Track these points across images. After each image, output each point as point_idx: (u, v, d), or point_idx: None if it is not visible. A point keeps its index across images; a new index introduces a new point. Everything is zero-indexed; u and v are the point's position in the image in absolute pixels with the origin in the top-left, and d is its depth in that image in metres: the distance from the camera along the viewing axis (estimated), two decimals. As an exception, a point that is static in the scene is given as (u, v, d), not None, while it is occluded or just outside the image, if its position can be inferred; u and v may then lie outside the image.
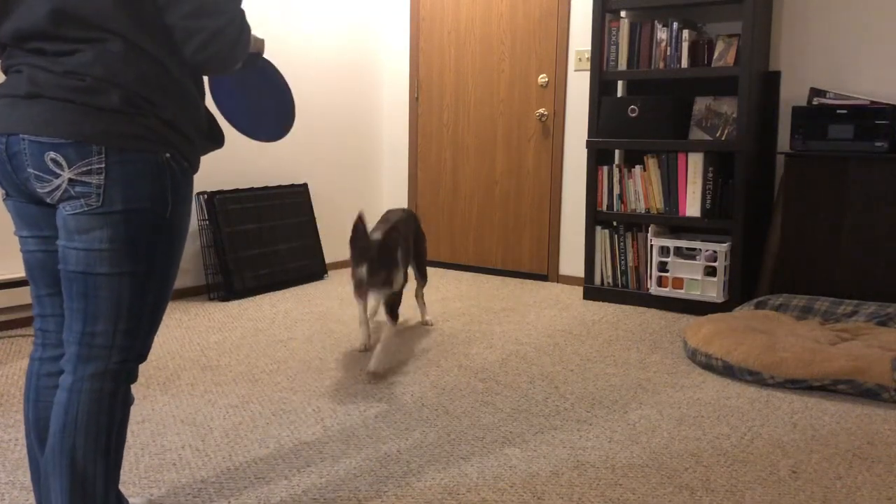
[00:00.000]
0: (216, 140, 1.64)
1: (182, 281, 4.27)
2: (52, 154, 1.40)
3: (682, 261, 3.97)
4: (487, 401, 2.72)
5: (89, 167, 1.40)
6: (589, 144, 4.24)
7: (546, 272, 4.87)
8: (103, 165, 1.41)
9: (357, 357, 3.21)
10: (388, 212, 3.49)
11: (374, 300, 3.24)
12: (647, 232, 4.15)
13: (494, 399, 2.74)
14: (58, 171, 1.40)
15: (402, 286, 3.22)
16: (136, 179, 1.43)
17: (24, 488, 2.02)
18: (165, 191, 1.47)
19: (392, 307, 3.15)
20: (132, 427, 2.44)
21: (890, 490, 2.08)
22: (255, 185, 4.59)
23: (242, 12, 1.48)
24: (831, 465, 2.24)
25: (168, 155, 1.47)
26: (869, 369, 2.76)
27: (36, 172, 1.42)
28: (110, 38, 1.40)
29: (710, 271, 3.94)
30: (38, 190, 1.45)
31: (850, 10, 3.90)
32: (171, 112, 1.47)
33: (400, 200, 5.43)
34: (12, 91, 1.43)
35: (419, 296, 3.76)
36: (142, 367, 3.01)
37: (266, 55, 4.59)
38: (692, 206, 4.00)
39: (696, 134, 4.04)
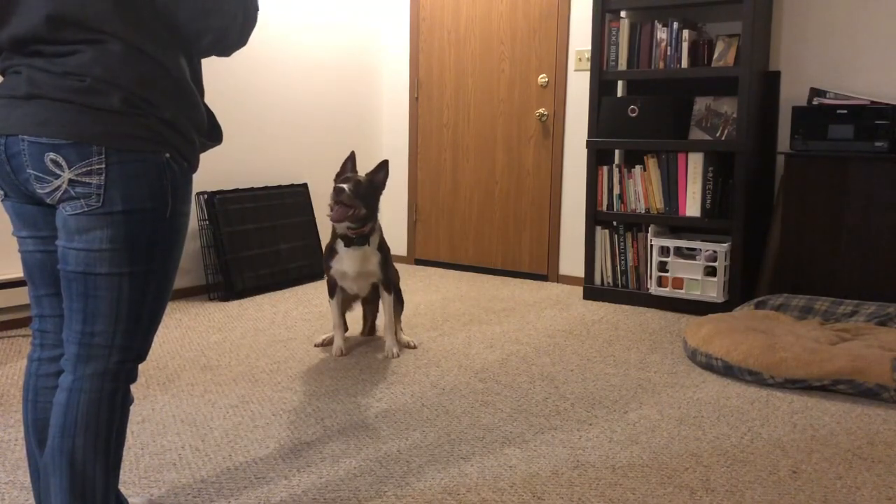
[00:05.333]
0: (215, 137, 1.65)
1: (182, 281, 4.27)
2: (52, 155, 1.40)
3: (682, 261, 3.97)
4: (487, 401, 2.72)
5: (89, 168, 1.40)
6: (589, 144, 4.24)
7: (546, 272, 4.87)
8: (103, 166, 1.40)
9: (356, 356, 3.21)
10: None
11: (351, 282, 3.18)
12: (647, 232, 4.15)
13: (494, 399, 2.74)
14: (58, 171, 1.40)
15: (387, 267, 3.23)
16: (137, 180, 1.43)
17: (23, 488, 2.02)
18: (165, 191, 1.47)
19: (385, 283, 3.20)
20: (132, 427, 2.44)
21: (890, 490, 2.08)
22: (255, 185, 4.59)
23: (245, 2, 1.48)
24: (831, 465, 2.24)
25: (168, 155, 1.47)
26: (869, 369, 2.76)
27: (36, 173, 1.42)
28: (109, 39, 1.40)
29: (710, 271, 3.94)
30: (38, 191, 1.45)
31: (850, 10, 3.90)
32: (171, 112, 1.47)
33: (400, 200, 5.43)
34: (11, 92, 1.43)
35: (395, 330, 3.33)
36: (142, 367, 3.01)
37: (266, 55, 4.60)
38: (692, 206, 4.00)
39: (696, 134, 4.04)
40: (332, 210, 2.99)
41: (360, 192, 3.00)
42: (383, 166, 3.09)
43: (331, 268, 3.17)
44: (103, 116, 1.40)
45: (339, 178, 3.08)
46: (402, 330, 3.41)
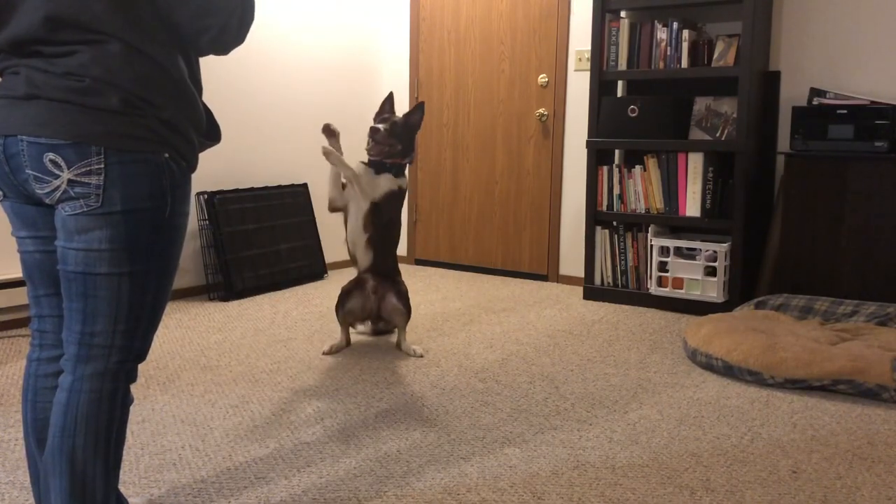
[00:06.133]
0: (214, 137, 1.64)
1: (182, 281, 4.27)
2: (52, 155, 1.40)
3: (682, 261, 3.97)
4: (487, 401, 2.72)
5: (88, 168, 1.40)
6: (589, 144, 4.24)
7: (546, 272, 4.86)
8: (102, 166, 1.40)
9: (356, 357, 3.21)
10: None
11: (364, 258, 3.20)
12: (647, 232, 4.15)
13: (494, 399, 2.74)
14: (57, 171, 1.40)
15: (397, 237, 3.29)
16: (136, 180, 1.43)
17: (23, 488, 2.02)
18: (165, 191, 1.47)
19: (409, 314, 3.27)
20: (132, 427, 2.44)
21: (890, 490, 2.08)
22: (255, 185, 4.59)
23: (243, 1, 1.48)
24: (831, 465, 2.24)
25: (167, 155, 1.47)
26: (869, 369, 2.76)
27: (35, 174, 1.42)
28: (108, 39, 1.40)
29: (710, 271, 3.94)
30: (38, 191, 1.45)
31: (850, 10, 3.90)
32: (170, 112, 1.47)
33: (400, 200, 5.43)
34: (10, 92, 1.43)
35: (401, 343, 3.30)
36: (142, 367, 3.01)
37: (266, 55, 4.60)
38: (692, 206, 3.99)
39: (696, 134, 4.04)
40: (368, 147, 3.17)
41: (396, 131, 3.15)
42: (419, 108, 3.23)
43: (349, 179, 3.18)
44: (102, 117, 1.40)
45: (377, 118, 3.23)
46: (405, 340, 3.30)
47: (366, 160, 3.23)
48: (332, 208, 3.25)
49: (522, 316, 3.95)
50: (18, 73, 1.42)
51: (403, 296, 3.26)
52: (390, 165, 3.19)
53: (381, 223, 3.18)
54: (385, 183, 3.16)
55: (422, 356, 3.22)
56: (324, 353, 3.22)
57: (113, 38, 1.40)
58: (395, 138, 3.15)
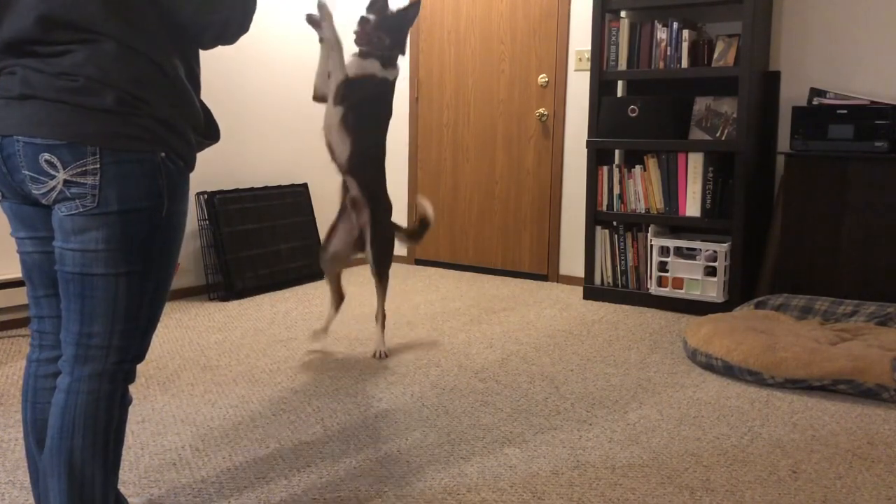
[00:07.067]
0: (212, 136, 1.64)
1: (182, 281, 4.27)
2: (47, 155, 1.39)
3: (682, 261, 3.97)
4: (487, 401, 2.72)
5: (84, 168, 1.40)
6: (589, 144, 4.23)
7: (546, 272, 4.86)
8: (98, 166, 1.40)
9: (356, 357, 3.21)
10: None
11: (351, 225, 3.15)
12: (647, 232, 4.15)
13: (494, 399, 2.74)
14: (52, 172, 1.40)
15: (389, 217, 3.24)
16: (132, 179, 1.43)
17: (23, 488, 2.03)
18: (161, 190, 1.47)
19: (379, 260, 3.16)
20: (132, 427, 2.44)
21: (890, 490, 2.08)
22: (255, 185, 4.59)
23: None
24: (831, 465, 2.24)
25: (163, 154, 1.47)
26: (869, 369, 2.76)
27: (31, 174, 1.42)
28: (102, 38, 1.40)
29: (710, 271, 3.93)
30: (34, 191, 1.44)
31: (850, 10, 3.90)
32: (167, 111, 1.47)
33: (399, 200, 5.42)
34: (5, 93, 1.42)
35: (378, 315, 3.24)
36: (141, 367, 3.01)
37: (265, 55, 4.60)
38: (692, 206, 3.99)
39: (696, 134, 4.04)
40: (356, 36, 3.04)
41: (386, 24, 3.02)
42: (416, 5, 3.10)
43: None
44: (97, 116, 1.39)
45: (370, 8, 3.08)
46: (383, 326, 3.25)
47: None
48: (316, 96, 3.13)
49: (522, 316, 3.95)
50: (14, 74, 1.42)
51: (381, 240, 3.16)
52: (379, 55, 3.04)
53: (356, 99, 3.02)
54: (370, 65, 3.03)
55: (386, 356, 3.20)
56: (315, 332, 3.28)
57: (107, 37, 1.40)
58: (383, 31, 3.01)
